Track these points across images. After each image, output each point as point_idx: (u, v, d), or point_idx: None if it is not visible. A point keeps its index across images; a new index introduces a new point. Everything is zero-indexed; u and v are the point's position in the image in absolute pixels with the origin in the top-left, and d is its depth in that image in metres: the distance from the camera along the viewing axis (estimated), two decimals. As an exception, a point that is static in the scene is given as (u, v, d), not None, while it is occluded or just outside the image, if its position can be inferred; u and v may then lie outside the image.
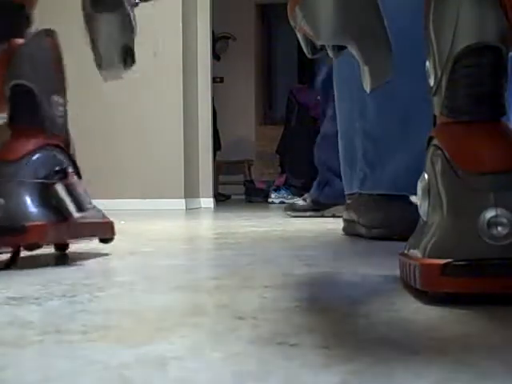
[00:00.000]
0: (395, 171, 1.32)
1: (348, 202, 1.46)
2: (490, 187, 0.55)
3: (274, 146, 6.09)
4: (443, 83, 0.61)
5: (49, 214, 0.89)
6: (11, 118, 0.97)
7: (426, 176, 0.61)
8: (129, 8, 1.04)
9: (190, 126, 4.06)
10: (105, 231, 1.04)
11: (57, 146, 0.97)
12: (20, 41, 1.00)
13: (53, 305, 0.59)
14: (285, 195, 5.30)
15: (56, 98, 1.02)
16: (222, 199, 5.60)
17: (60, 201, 0.90)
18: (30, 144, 0.94)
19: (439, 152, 0.59)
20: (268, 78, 7.78)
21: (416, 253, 0.59)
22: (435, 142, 0.61)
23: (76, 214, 0.91)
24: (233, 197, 6.36)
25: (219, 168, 6.23)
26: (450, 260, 0.53)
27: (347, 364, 0.37)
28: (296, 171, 5.54)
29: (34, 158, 0.93)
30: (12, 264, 0.86)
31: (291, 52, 6.86)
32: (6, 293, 0.66)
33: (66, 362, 0.39)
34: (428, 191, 0.60)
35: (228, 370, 0.37)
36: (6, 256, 0.86)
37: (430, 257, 0.55)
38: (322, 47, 0.68)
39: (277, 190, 5.36)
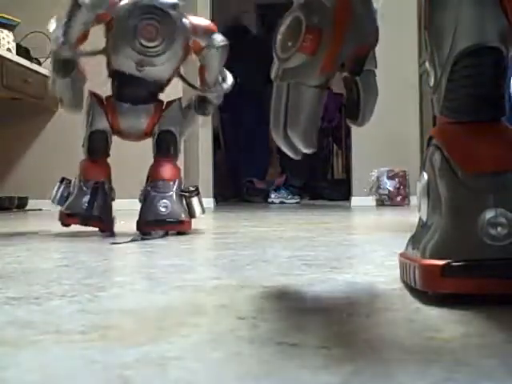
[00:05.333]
0: None
1: None
2: (490, 188, 0.55)
3: (273, 145, 6.09)
4: (443, 83, 0.60)
5: (187, 214, 1.55)
6: (159, 150, 1.61)
7: (426, 176, 0.61)
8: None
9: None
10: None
11: (179, 169, 1.64)
12: (163, 102, 1.64)
13: (53, 305, 0.59)
14: (285, 195, 5.30)
15: (182, 142, 1.68)
16: (222, 199, 5.59)
17: (192, 208, 1.58)
18: (176, 169, 1.61)
19: (439, 152, 0.59)
20: (268, 78, 7.77)
21: (415, 253, 0.59)
22: (435, 141, 0.60)
23: (197, 215, 1.59)
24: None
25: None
26: (449, 261, 0.53)
27: (347, 364, 0.37)
28: (296, 171, 5.54)
29: (178, 179, 1.59)
30: (166, 234, 1.48)
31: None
32: (6, 293, 0.66)
33: (66, 362, 0.39)
34: (427, 191, 0.60)
35: (228, 370, 0.37)
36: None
37: (429, 257, 0.55)
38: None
39: (277, 189, 5.35)
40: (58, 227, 1.72)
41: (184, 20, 1.55)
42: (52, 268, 0.90)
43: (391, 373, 0.35)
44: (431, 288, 0.55)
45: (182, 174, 1.66)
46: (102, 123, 1.58)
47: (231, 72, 1.71)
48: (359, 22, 0.62)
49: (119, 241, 1.33)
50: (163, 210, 1.51)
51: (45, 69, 4.01)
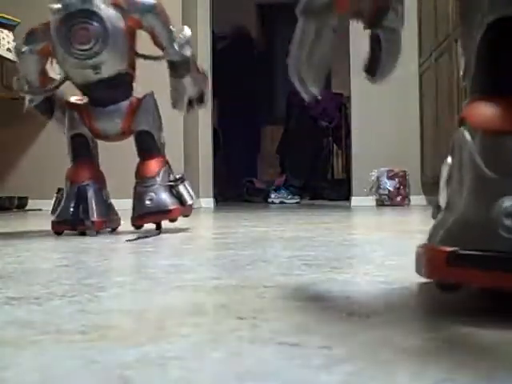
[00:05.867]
0: None
1: None
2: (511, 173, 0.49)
3: (274, 146, 6.09)
4: (472, 59, 0.55)
5: (176, 202, 1.62)
6: (140, 150, 1.67)
7: (450, 159, 0.56)
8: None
9: (190, 126, 4.07)
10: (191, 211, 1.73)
11: (167, 162, 1.68)
12: (136, 99, 1.67)
13: (53, 305, 0.59)
14: (285, 195, 5.30)
15: (162, 134, 1.71)
16: (222, 199, 5.59)
17: (181, 195, 1.64)
18: (159, 164, 1.65)
19: (467, 131, 0.53)
20: (268, 78, 7.78)
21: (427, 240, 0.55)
22: (465, 121, 0.55)
23: (189, 201, 1.65)
24: (233, 197, 6.35)
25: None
26: (456, 248, 0.49)
27: (347, 364, 0.37)
28: (296, 171, 5.54)
29: (163, 170, 1.64)
30: (159, 229, 1.60)
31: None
32: (6, 293, 0.66)
33: (66, 361, 0.39)
34: (449, 176, 0.55)
35: (228, 370, 0.37)
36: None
37: (439, 244, 0.51)
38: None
39: (277, 189, 5.35)
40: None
41: (109, 9, 1.55)
42: (52, 268, 0.90)
43: (391, 373, 0.35)
44: (434, 276, 0.52)
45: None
46: (80, 128, 1.65)
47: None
48: None
49: (130, 238, 1.41)
50: (148, 202, 1.60)
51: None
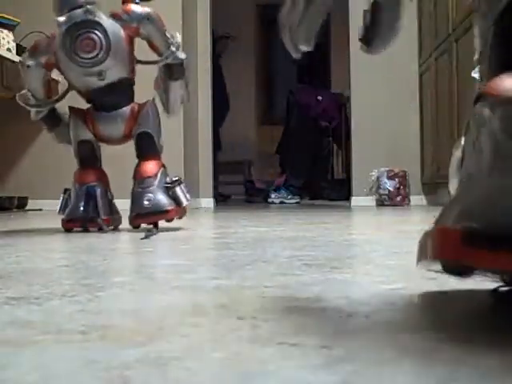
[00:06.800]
0: None
1: None
2: None
3: (273, 146, 6.09)
4: (490, 39, 0.50)
5: (173, 203, 1.69)
6: (140, 151, 1.74)
7: (463, 141, 0.50)
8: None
9: (190, 126, 4.06)
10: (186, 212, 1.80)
11: (163, 165, 1.75)
12: (138, 104, 1.76)
13: (53, 305, 0.59)
14: (285, 195, 5.30)
15: (161, 139, 1.79)
16: (221, 199, 5.59)
17: (178, 196, 1.69)
18: (157, 165, 1.73)
19: (488, 106, 0.47)
20: (268, 78, 7.78)
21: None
22: (485, 98, 0.49)
23: (184, 203, 1.72)
24: (233, 197, 6.36)
25: (219, 168, 6.23)
26: (474, 226, 0.42)
27: (347, 364, 0.37)
28: (296, 171, 5.54)
29: (161, 172, 1.71)
30: (156, 228, 1.63)
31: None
32: (6, 293, 0.66)
33: (66, 362, 0.39)
34: (463, 158, 0.50)
35: (228, 369, 0.37)
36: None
37: (453, 223, 0.44)
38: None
39: (277, 189, 5.36)
40: (57, 227, 1.72)
41: (109, 19, 1.69)
42: (52, 268, 0.90)
43: (391, 373, 0.35)
44: (446, 256, 0.45)
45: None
46: (85, 134, 1.75)
47: None
48: None
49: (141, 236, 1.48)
50: (146, 203, 1.66)
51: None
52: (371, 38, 0.62)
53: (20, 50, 3.78)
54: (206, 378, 0.36)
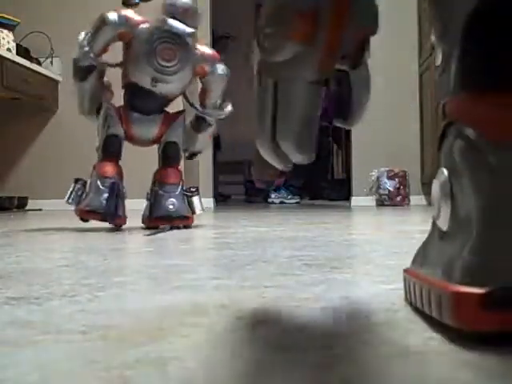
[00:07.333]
0: None
1: None
2: None
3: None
4: (455, 53, 0.45)
5: (189, 211, 1.84)
6: (167, 158, 1.86)
7: (446, 171, 0.46)
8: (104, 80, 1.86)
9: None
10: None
11: (182, 173, 1.89)
12: (170, 113, 1.88)
13: (53, 305, 0.59)
14: (285, 195, 5.30)
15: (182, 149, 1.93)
16: (221, 199, 5.59)
17: (193, 205, 1.85)
18: (180, 174, 1.86)
19: (465, 135, 0.44)
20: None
21: (430, 273, 0.45)
22: (457, 125, 0.45)
23: (198, 212, 1.87)
24: (233, 197, 6.36)
25: (219, 168, 6.23)
26: (493, 288, 0.38)
27: (347, 364, 0.37)
28: (296, 171, 5.54)
29: (181, 180, 1.85)
30: (173, 228, 1.74)
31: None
32: (6, 293, 0.66)
33: (66, 362, 0.39)
34: (450, 190, 0.45)
35: (228, 370, 0.37)
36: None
37: (461, 282, 0.40)
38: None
39: (277, 189, 5.36)
40: (58, 227, 1.72)
41: (196, 45, 1.84)
42: (52, 268, 0.90)
43: (391, 373, 0.35)
44: (468, 325, 0.40)
45: (184, 176, 1.85)
46: (117, 129, 1.82)
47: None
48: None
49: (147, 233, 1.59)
50: (171, 207, 1.78)
51: (45, 69, 4.01)
52: (345, 111, 0.55)
53: (20, 49, 3.78)
54: (206, 378, 0.36)
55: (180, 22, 1.78)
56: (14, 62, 3.60)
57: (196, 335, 0.46)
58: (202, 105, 1.94)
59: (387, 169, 4.11)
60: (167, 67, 1.77)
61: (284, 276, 0.78)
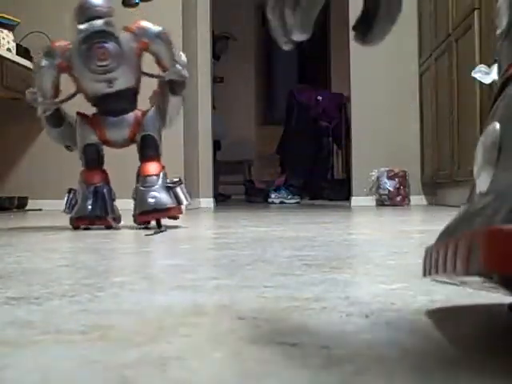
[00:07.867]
0: None
1: None
2: None
3: (273, 146, 6.09)
4: None
5: (174, 202, 1.81)
6: (143, 153, 1.87)
7: (498, 125, 0.41)
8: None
9: (190, 126, 4.06)
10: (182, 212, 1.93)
11: (163, 166, 1.86)
12: (141, 111, 1.89)
13: (53, 305, 0.59)
14: (285, 195, 5.30)
15: (161, 145, 1.90)
16: (221, 199, 5.59)
17: (178, 196, 1.82)
18: (159, 165, 1.85)
19: None
20: (268, 78, 7.78)
21: (469, 227, 0.39)
22: None
23: (185, 202, 1.85)
24: (233, 197, 6.36)
25: (219, 168, 6.23)
26: None
27: (347, 364, 0.37)
28: (296, 171, 5.54)
29: (162, 172, 1.83)
30: (159, 226, 1.76)
31: (291, 52, 6.86)
32: (6, 293, 0.66)
33: (66, 361, 0.39)
34: (498, 147, 0.41)
35: (228, 370, 0.37)
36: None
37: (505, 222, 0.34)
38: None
39: (277, 189, 5.35)
40: (57, 227, 1.72)
41: (124, 32, 1.84)
42: (52, 268, 0.90)
43: (391, 373, 0.35)
44: (502, 265, 0.33)
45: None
46: (92, 138, 1.88)
47: None
48: None
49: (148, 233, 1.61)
50: (151, 200, 1.78)
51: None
52: (367, 28, 0.53)
53: (20, 49, 3.78)
54: (206, 377, 0.36)
55: (96, 18, 1.79)
56: (13, 61, 3.60)
57: (196, 335, 0.46)
58: (163, 70, 1.90)
59: (387, 169, 4.11)
60: (106, 66, 1.79)
61: (284, 276, 0.78)
